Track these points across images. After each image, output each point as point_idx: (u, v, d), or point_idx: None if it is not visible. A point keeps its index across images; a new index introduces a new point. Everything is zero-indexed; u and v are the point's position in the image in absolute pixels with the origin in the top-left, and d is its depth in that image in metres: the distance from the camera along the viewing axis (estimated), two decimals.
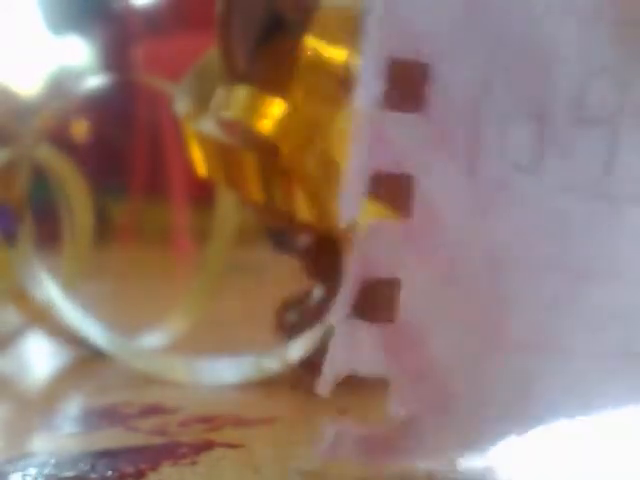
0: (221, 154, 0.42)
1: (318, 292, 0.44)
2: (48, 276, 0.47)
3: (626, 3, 0.27)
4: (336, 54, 0.37)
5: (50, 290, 0.46)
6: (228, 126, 0.41)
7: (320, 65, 0.37)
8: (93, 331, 0.47)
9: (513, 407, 0.28)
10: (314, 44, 0.37)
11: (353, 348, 0.26)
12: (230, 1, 0.39)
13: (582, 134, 0.27)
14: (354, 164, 0.25)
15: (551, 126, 0.26)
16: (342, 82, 0.37)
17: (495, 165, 0.26)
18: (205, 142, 0.42)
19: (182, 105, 0.43)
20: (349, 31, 0.38)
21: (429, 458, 0.28)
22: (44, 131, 0.47)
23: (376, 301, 0.26)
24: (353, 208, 0.25)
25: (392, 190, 0.26)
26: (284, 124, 0.37)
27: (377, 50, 0.24)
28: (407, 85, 0.25)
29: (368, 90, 0.25)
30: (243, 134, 0.41)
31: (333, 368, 0.26)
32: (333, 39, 0.37)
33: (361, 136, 0.25)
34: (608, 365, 0.28)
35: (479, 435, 0.28)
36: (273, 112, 0.37)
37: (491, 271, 0.26)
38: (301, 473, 0.28)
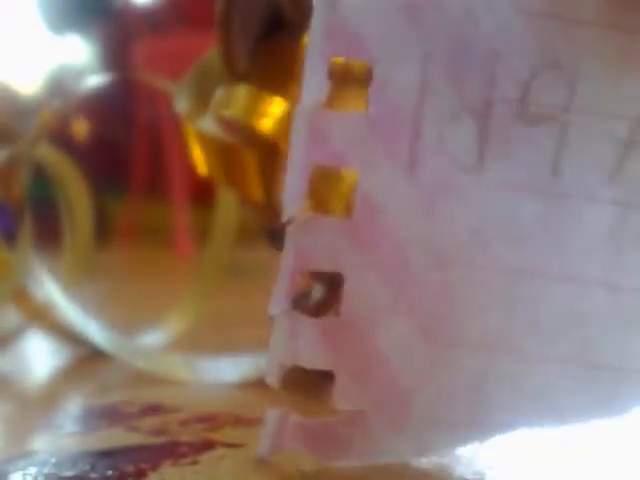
0: (221, 153, 0.42)
1: (317, 292, 0.44)
2: (48, 275, 0.47)
3: (575, 2, 0.27)
4: None
5: (50, 289, 0.46)
6: (228, 125, 0.41)
7: None
8: (93, 330, 0.47)
9: (473, 410, 0.27)
10: None
11: (294, 340, 0.26)
12: (230, 0, 0.39)
13: (527, 132, 0.26)
14: (295, 158, 0.26)
15: (493, 124, 0.26)
16: (341, 81, 0.37)
17: (437, 164, 0.26)
18: (205, 141, 0.42)
19: (182, 104, 0.43)
20: None
21: (381, 457, 0.28)
22: (44, 130, 0.47)
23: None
24: (295, 201, 0.25)
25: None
26: (284, 123, 0.37)
27: (321, 50, 0.25)
28: (349, 84, 0.26)
29: (312, 88, 0.25)
30: (243, 133, 0.41)
31: (275, 359, 0.26)
32: None
33: (302, 132, 0.25)
34: (570, 373, 0.27)
35: (436, 438, 0.27)
36: (273, 111, 0.37)
37: (440, 270, 0.26)
38: (302, 473, 0.28)
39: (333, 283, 0.43)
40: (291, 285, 0.26)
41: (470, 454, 0.30)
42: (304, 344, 0.26)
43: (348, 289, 0.26)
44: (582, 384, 0.27)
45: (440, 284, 0.26)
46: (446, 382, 0.27)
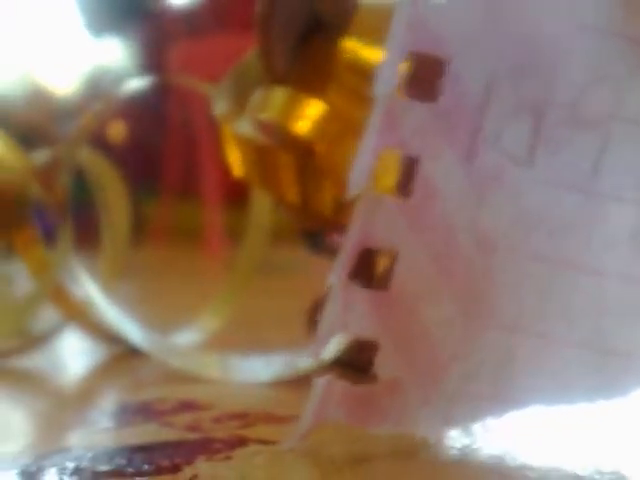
0: (258, 155, 0.42)
1: None
2: (86, 274, 0.47)
3: (630, 21, 0.29)
4: (374, 55, 0.37)
5: (88, 288, 0.47)
6: (265, 127, 0.41)
7: (358, 66, 0.37)
8: (129, 328, 0.47)
9: (497, 386, 0.29)
10: (352, 46, 0.38)
11: (347, 310, 0.28)
12: (271, 3, 0.40)
13: (575, 135, 0.29)
14: (367, 141, 0.28)
15: (547, 124, 0.28)
16: None
17: (492, 156, 0.28)
18: (242, 143, 0.42)
19: (220, 106, 0.44)
20: (387, 33, 0.38)
21: (414, 426, 0.30)
22: (86, 132, 0.48)
23: (373, 269, 0.28)
24: (361, 181, 0.27)
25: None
26: (321, 125, 0.37)
27: (400, 42, 0.27)
28: (423, 76, 0.28)
29: (388, 77, 0.27)
30: (280, 135, 0.41)
31: (327, 327, 0.28)
32: (371, 41, 0.38)
33: (377, 116, 0.27)
34: (585, 357, 0.30)
35: (462, 410, 0.30)
36: (310, 113, 0.38)
37: (484, 255, 0.28)
38: (337, 468, 0.29)
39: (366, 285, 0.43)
40: (352, 259, 0.28)
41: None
42: (355, 314, 0.28)
43: (401, 267, 0.28)
44: (594, 368, 0.30)
45: (484, 269, 0.28)
46: (477, 358, 0.29)
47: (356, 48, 0.38)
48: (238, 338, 0.55)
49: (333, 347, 0.42)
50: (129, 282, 0.70)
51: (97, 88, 1.89)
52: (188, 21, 1.74)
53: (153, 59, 1.76)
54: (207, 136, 1.47)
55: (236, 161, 0.44)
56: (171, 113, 1.70)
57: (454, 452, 0.30)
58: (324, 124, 0.38)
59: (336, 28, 0.39)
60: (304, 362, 0.43)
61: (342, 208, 0.40)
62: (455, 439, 0.31)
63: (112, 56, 2.00)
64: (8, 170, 0.50)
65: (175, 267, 1.30)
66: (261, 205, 0.55)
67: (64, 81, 1.98)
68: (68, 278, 0.48)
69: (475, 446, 0.31)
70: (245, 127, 0.42)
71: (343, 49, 0.38)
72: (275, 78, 0.41)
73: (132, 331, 0.47)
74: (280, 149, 0.41)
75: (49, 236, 0.49)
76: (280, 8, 0.40)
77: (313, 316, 0.46)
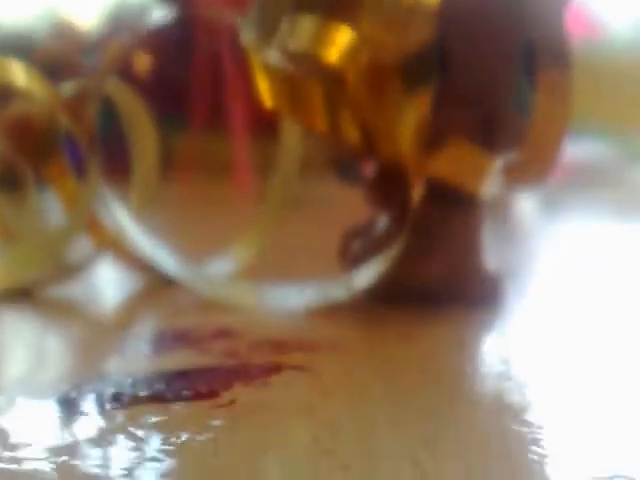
0: (287, 84, 0.42)
1: (382, 222, 0.44)
2: (118, 205, 0.47)
3: None
4: None
5: (121, 218, 0.47)
6: (294, 56, 0.41)
7: None
8: (162, 258, 0.48)
9: None
10: None
11: None
12: None
13: None
14: None
15: None
16: (410, 9, 0.37)
17: None
18: (271, 73, 0.42)
19: (248, 36, 0.43)
20: None
21: None
22: (114, 64, 0.48)
23: None
24: None
25: None
26: (351, 53, 0.37)
27: None
28: None
29: None
30: (309, 64, 0.41)
31: None
32: None
33: None
34: None
35: None
36: (340, 41, 0.37)
37: None
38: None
39: (397, 215, 0.43)
40: None
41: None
42: None
43: None
44: None
45: None
46: None
47: None
48: (270, 268, 0.56)
49: (364, 278, 0.42)
50: (160, 214, 0.70)
51: (119, 21, 1.87)
52: None
53: None
54: (235, 67, 1.46)
55: (265, 91, 0.43)
56: (198, 44, 1.68)
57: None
58: (354, 52, 0.37)
59: None
60: (336, 291, 0.43)
61: (373, 138, 0.40)
62: None
63: None
64: (36, 102, 0.50)
65: (205, 200, 1.30)
66: (291, 136, 0.55)
67: (87, 14, 1.96)
68: (100, 208, 0.48)
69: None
70: (274, 56, 0.42)
71: None
72: (302, 6, 0.40)
73: (165, 261, 0.47)
74: (309, 78, 0.41)
75: (80, 168, 0.49)
76: None
77: (345, 246, 0.47)
